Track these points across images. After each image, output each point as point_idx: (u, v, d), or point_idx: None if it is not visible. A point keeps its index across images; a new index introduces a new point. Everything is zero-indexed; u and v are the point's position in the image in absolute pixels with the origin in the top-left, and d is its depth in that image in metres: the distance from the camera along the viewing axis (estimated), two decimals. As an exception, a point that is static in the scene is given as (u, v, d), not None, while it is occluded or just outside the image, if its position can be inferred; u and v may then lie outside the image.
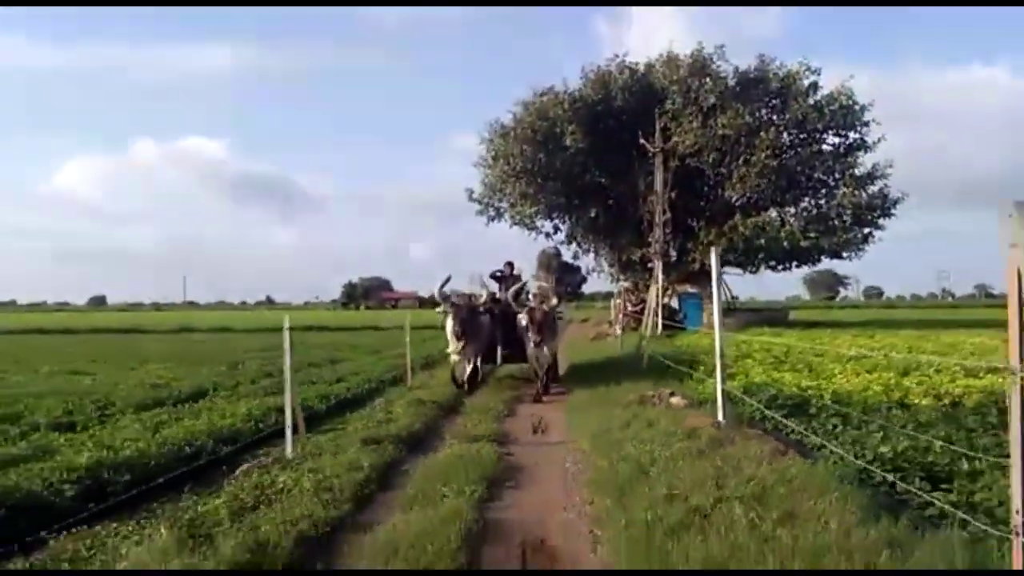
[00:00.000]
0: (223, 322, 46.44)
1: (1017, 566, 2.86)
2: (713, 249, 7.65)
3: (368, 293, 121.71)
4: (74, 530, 4.51)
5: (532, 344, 11.33)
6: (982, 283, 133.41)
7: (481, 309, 12.33)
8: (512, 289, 12.30)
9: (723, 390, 6.73)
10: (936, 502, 3.94)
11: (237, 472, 5.94)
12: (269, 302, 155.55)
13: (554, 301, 11.80)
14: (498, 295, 12.83)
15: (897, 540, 3.42)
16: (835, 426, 6.29)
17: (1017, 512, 2.83)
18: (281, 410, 6.89)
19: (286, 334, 6.61)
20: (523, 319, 11.49)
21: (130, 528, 4.64)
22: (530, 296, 12.28)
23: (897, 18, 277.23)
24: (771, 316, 34.52)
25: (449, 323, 11.74)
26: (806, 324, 32.27)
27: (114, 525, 4.71)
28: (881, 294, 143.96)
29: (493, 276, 13.42)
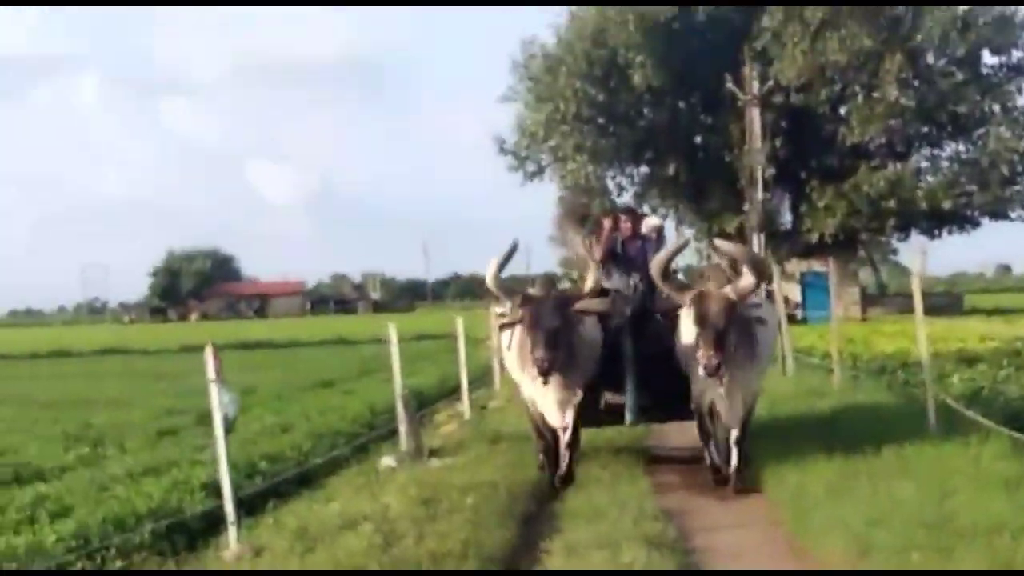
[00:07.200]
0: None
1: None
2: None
3: (198, 289, 76.37)
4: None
5: (704, 371, 6.55)
6: None
7: (577, 306, 7.23)
8: (660, 257, 7.14)
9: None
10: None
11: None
12: None
13: (750, 279, 6.62)
14: (609, 281, 7.84)
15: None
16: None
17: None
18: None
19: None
20: (687, 322, 6.82)
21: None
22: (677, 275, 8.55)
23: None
24: (936, 302, 28.75)
25: (518, 336, 6.98)
26: (989, 312, 27.57)
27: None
28: None
29: (590, 236, 9.26)
